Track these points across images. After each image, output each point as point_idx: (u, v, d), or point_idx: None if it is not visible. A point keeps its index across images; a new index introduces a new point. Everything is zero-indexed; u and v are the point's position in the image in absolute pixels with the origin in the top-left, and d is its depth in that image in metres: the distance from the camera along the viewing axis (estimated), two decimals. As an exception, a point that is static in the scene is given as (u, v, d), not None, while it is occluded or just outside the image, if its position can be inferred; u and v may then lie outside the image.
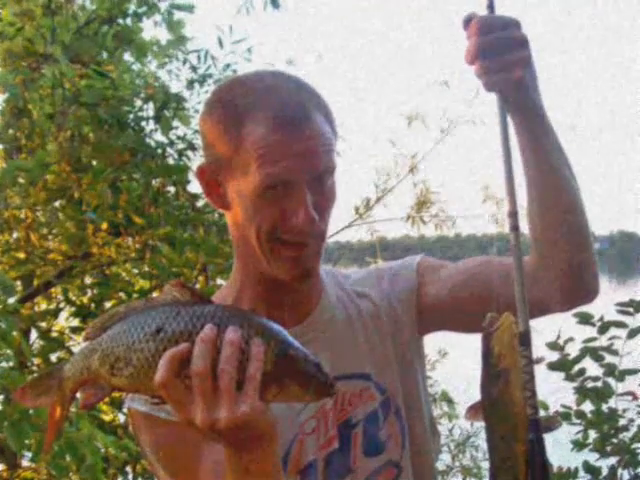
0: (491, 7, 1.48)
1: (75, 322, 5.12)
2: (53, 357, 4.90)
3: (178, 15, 6.15)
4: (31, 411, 3.21)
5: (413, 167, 8.80)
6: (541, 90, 1.53)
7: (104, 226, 5.00)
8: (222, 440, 1.30)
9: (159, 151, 5.12)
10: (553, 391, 4.62)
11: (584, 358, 4.33)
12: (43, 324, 5.21)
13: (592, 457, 4.41)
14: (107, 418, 4.93)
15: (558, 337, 4.32)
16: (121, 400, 4.46)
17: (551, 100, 1.57)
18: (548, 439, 1.35)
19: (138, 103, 5.29)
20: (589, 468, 4.32)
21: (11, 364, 3.82)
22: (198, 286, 4.75)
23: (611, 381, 4.35)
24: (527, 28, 1.47)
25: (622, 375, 4.32)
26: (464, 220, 9.04)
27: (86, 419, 3.44)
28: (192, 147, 5.34)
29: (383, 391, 1.72)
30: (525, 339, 1.35)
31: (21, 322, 4.73)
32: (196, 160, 5.32)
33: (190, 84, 5.95)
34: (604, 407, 4.40)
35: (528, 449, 1.34)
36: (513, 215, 1.42)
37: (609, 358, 4.32)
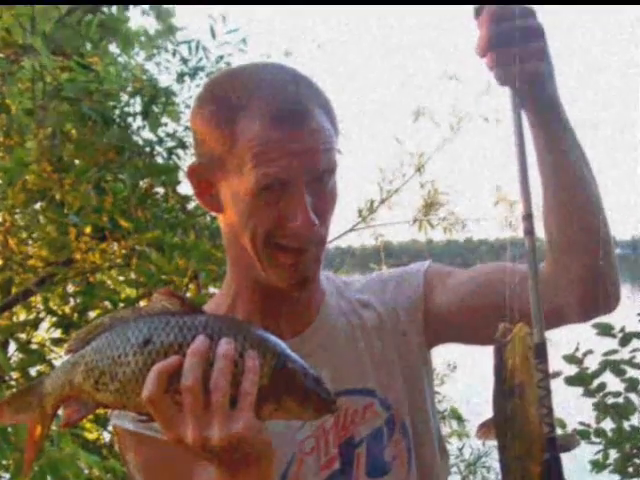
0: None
1: (57, 333, 5.11)
2: (33, 371, 4.89)
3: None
4: (9, 429, 3.20)
5: (420, 166, 8.83)
6: (558, 84, 1.53)
7: (88, 230, 4.99)
8: (214, 460, 1.30)
9: (147, 149, 5.12)
10: (571, 408, 4.62)
11: (604, 372, 4.33)
12: (22, 335, 5.20)
13: (613, 478, 4.41)
14: (91, 436, 4.93)
15: (576, 349, 4.32)
16: (106, 417, 4.45)
17: (569, 95, 1.58)
18: (565, 459, 1.35)
19: (124, 98, 5.29)
20: (609, 490, 4.33)
21: (-13, 378, 3.82)
22: (189, 295, 4.75)
23: (633, 397, 4.36)
24: (543, 17, 1.47)
25: (645, 390, 4.32)
26: (475, 223, 9.08)
27: (68, 438, 3.44)
28: (182, 145, 5.35)
29: (388, 407, 1.72)
30: (541, 351, 1.35)
31: (-2, 333, 4.73)
32: (187, 159, 5.33)
33: (180, 77, 5.96)
34: (625, 425, 4.40)
35: (544, 470, 1.34)
36: (528, 218, 1.42)
37: (631, 372, 4.32)
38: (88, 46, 5.63)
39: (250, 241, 1.54)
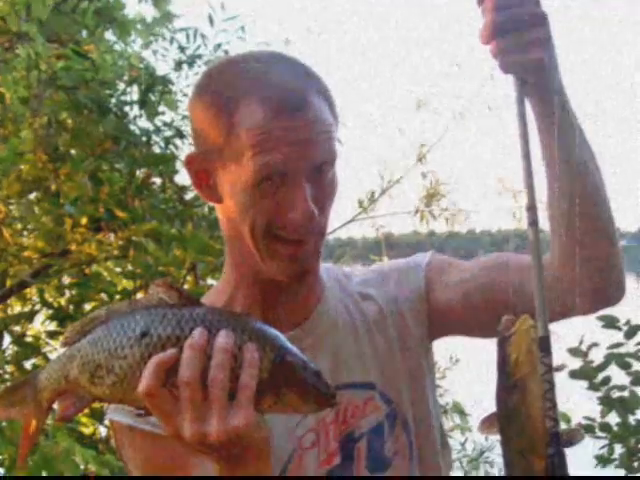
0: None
1: (52, 326, 5.11)
2: (28, 364, 4.89)
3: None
4: (4, 423, 3.21)
5: (422, 156, 8.83)
6: (562, 73, 1.53)
7: (84, 221, 4.99)
8: (213, 454, 1.30)
9: (144, 139, 5.11)
10: (575, 401, 4.62)
11: (609, 365, 4.32)
12: (17, 328, 5.21)
13: (618, 473, 4.40)
14: (87, 431, 4.93)
15: (581, 342, 4.32)
16: (102, 411, 4.46)
17: (573, 84, 1.58)
18: (570, 454, 1.35)
19: (121, 86, 5.29)
20: (614, 485, 4.33)
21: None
22: (186, 287, 4.75)
23: (639, 390, 4.35)
24: (546, 5, 1.47)
25: (651, 384, 4.32)
26: (478, 214, 9.08)
27: (64, 432, 3.45)
28: (180, 134, 5.34)
29: (389, 402, 1.72)
30: (545, 344, 1.35)
31: (-7, 326, 4.73)
32: (184, 148, 5.33)
33: (178, 65, 5.95)
34: (631, 419, 4.40)
35: (548, 465, 1.34)
36: (531, 209, 1.42)
37: (637, 365, 4.31)
38: (84, 33, 5.62)
39: (249, 232, 1.53)
